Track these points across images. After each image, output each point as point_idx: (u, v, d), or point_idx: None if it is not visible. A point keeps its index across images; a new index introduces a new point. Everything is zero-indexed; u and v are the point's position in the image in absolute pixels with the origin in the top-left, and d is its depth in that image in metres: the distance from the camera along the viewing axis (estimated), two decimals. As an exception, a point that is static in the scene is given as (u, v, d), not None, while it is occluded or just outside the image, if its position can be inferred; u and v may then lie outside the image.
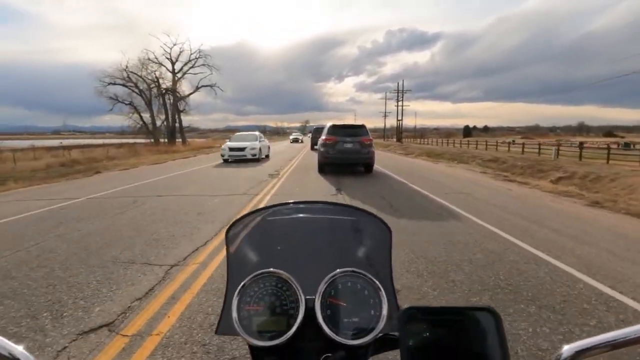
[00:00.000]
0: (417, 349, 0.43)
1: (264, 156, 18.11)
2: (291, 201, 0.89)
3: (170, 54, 35.07)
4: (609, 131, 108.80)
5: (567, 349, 0.41)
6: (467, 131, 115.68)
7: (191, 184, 9.65)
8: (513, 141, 43.56)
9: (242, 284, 0.67)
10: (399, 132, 50.21)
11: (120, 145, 29.70)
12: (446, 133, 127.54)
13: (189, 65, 36.09)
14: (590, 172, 11.15)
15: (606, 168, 12.73)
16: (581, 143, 33.54)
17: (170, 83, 35.59)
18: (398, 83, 50.69)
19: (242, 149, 16.58)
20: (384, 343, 0.63)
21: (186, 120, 38.53)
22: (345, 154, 11.60)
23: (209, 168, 14.60)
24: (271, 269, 0.69)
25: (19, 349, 0.43)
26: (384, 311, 0.62)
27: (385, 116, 62.10)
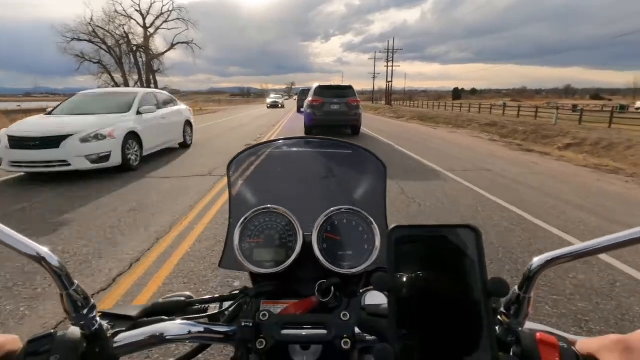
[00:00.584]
0: (402, 263, 0.45)
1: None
2: (291, 137, 0.89)
3: (139, 5, 31.66)
4: (595, 94, 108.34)
5: (537, 259, 0.45)
6: (457, 94, 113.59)
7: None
8: (504, 104, 42.42)
9: (243, 217, 0.69)
10: (389, 95, 48.28)
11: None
12: (435, 95, 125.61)
13: (162, 19, 32.88)
14: (602, 139, 10.18)
15: (615, 133, 11.81)
16: (574, 106, 32.74)
17: (142, 39, 32.47)
18: (388, 42, 48.07)
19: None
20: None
21: (164, 81, 35.74)
22: (333, 115, 11.30)
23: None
24: (270, 205, 0.70)
25: (44, 249, 0.45)
26: (377, 245, 0.65)
27: (374, 77, 59.67)
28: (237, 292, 0.64)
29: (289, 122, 18.76)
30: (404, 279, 0.44)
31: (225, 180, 0.88)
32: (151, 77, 33.26)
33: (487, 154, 9.28)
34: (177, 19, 32.84)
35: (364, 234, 0.68)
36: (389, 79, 47.85)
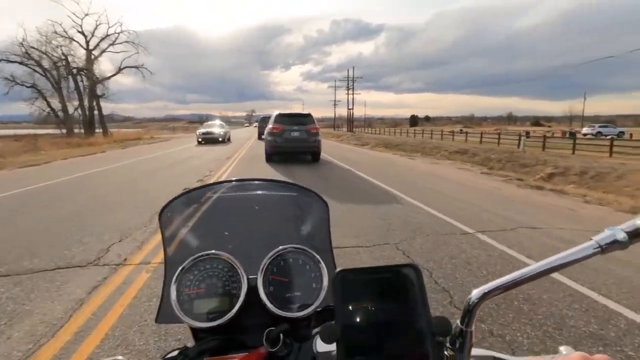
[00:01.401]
0: (351, 308, 0.45)
1: None
2: (226, 179, 0.86)
3: (81, 25, 29.09)
4: (536, 121, 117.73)
5: (475, 292, 0.45)
6: (414, 121, 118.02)
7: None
8: (460, 130, 43.83)
9: (180, 267, 0.65)
10: (351, 122, 48.34)
11: (20, 137, 23.99)
12: (393, 122, 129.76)
13: (108, 41, 30.47)
14: (587, 167, 9.55)
15: (591, 161, 11.41)
16: (527, 133, 34.24)
17: (85, 62, 29.70)
18: (348, 70, 48.59)
19: None
20: (326, 314, 0.61)
21: (108, 107, 32.71)
22: (293, 142, 11.61)
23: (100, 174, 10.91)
24: (211, 251, 0.68)
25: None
26: (325, 283, 0.64)
27: (335, 105, 60.02)
28: (175, 352, 0.56)
29: (248, 150, 17.09)
30: (353, 323, 0.45)
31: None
32: (95, 102, 30.26)
33: (498, 195, 7.33)
34: (126, 41, 30.61)
35: (312, 273, 0.66)
36: (350, 107, 48.06)
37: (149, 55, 32.31)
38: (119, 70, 30.98)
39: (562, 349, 0.45)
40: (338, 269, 0.49)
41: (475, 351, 0.49)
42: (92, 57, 29.63)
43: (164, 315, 0.66)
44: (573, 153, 16.44)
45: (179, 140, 27.80)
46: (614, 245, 0.42)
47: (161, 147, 20.44)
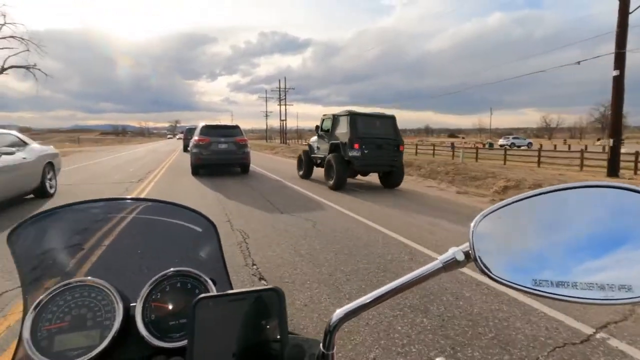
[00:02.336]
0: (210, 331, 0.45)
1: None
2: (101, 198, 0.78)
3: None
4: (451, 133, 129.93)
5: (335, 315, 0.46)
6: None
7: None
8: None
9: (38, 300, 0.57)
10: (284, 133, 46.94)
11: None
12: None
13: None
14: (540, 180, 9.34)
15: (532, 172, 11.49)
16: (452, 144, 36.44)
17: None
18: (280, 81, 47.36)
19: None
20: None
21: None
22: (220, 154, 11.34)
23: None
24: (79, 278, 0.60)
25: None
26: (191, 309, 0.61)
27: (266, 116, 58.26)
28: None
29: (168, 169, 14.53)
30: (210, 350, 0.44)
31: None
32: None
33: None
34: (12, 37, 25.33)
35: None
36: (283, 118, 46.71)
37: (45, 56, 27.13)
38: (2, 70, 25.43)
39: None
40: (200, 296, 0.47)
41: None
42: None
43: (22, 358, 0.54)
44: (504, 164, 17.13)
45: (83, 156, 23.57)
46: (454, 264, 0.44)
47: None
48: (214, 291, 0.62)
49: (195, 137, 11.49)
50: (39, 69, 26.22)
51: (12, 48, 25.63)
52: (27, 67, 25.78)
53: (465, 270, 3.46)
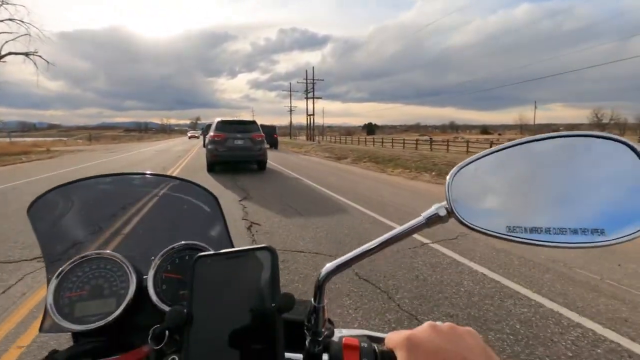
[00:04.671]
0: (206, 287, 0.47)
1: None
2: (112, 173, 0.81)
3: None
4: (484, 129, 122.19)
5: (323, 270, 0.47)
6: (371, 129, 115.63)
7: None
8: (431, 139, 40.58)
9: (59, 270, 0.62)
10: (311, 129, 42.73)
11: None
12: (346, 130, 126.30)
13: None
14: None
15: None
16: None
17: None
18: (307, 71, 43.17)
19: None
20: None
21: (36, 115, 23.37)
22: (236, 151, 10.99)
23: None
24: (95, 251, 0.65)
25: None
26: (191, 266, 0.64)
27: (290, 111, 54.23)
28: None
29: (195, 156, 10.64)
30: (204, 307, 0.46)
31: None
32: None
33: None
34: (10, 19, 22.20)
35: None
36: (310, 112, 42.45)
37: (45, 42, 23.92)
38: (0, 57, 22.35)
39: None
40: (198, 254, 0.50)
41: (350, 331, 0.53)
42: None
43: (50, 323, 0.59)
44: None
45: (85, 156, 20.18)
46: (437, 220, 0.45)
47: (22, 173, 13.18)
48: None
49: (211, 133, 11.12)
50: (40, 56, 23.09)
51: (11, 32, 22.60)
52: (26, 54, 22.68)
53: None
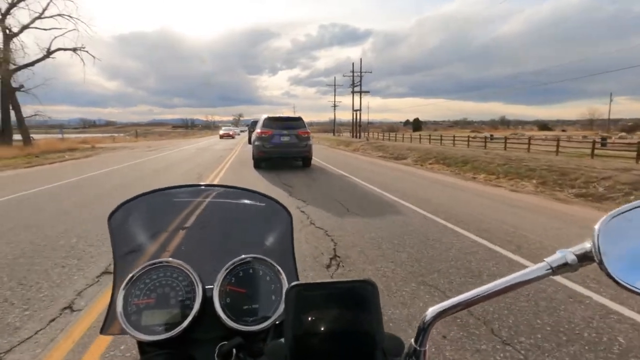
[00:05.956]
0: (301, 323, 0.44)
1: None
2: (186, 184, 0.82)
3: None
4: (543, 124, 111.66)
5: (430, 311, 0.44)
6: (417, 125, 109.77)
7: None
8: (492, 136, 36.46)
9: (129, 276, 0.61)
10: (357, 126, 40.18)
11: None
12: (388, 127, 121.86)
13: (26, 10, 21.39)
14: None
15: None
16: (604, 138, 27.02)
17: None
18: (353, 64, 40.60)
19: None
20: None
21: (33, 107, 23.43)
22: (282, 147, 11.05)
23: None
24: (164, 259, 0.63)
25: None
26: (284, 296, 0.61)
27: (334, 106, 52.00)
28: None
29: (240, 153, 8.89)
30: (304, 338, 0.43)
31: None
32: (10, 101, 21.21)
33: None
34: (60, 15, 21.96)
35: (272, 284, 0.63)
36: (357, 108, 39.90)
37: (93, 36, 23.60)
38: (48, 53, 22.18)
39: None
40: (293, 283, 0.47)
41: None
42: (7, 32, 20.80)
43: (111, 325, 0.61)
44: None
45: (119, 155, 19.39)
46: (564, 267, 0.42)
47: (70, 170, 12.06)
48: (284, 280, 0.62)
49: (258, 130, 11.21)
50: (87, 51, 22.71)
51: (61, 28, 22.42)
52: (74, 50, 22.39)
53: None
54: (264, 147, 10.93)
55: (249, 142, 22.08)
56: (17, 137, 22.09)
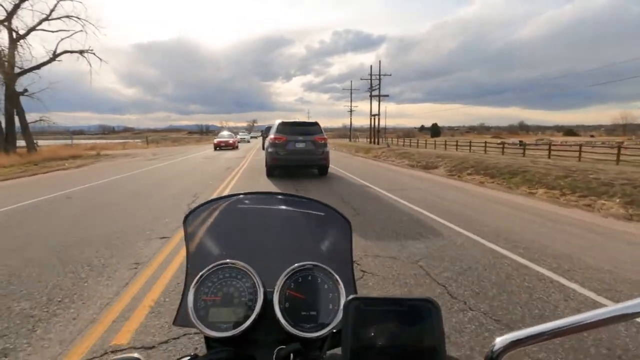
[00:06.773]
0: (360, 337, 0.44)
1: None
2: (253, 191, 0.85)
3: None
4: (569, 130, 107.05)
5: (499, 340, 0.42)
6: (436, 131, 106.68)
7: None
8: (520, 142, 34.07)
9: (200, 274, 0.65)
10: (375, 131, 38.28)
11: None
12: (404, 133, 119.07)
13: (33, 12, 20.41)
14: None
15: None
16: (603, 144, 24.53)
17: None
18: (371, 67, 38.74)
19: None
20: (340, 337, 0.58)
21: (34, 113, 22.22)
22: (297, 154, 10.29)
23: None
24: (230, 260, 0.66)
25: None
26: (342, 304, 0.59)
27: (351, 111, 50.23)
28: (187, 359, 0.54)
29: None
30: (362, 352, 0.43)
31: None
32: (10, 106, 20.17)
33: None
34: (67, 16, 21.01)
35: (329, 293, 0.63)
36: (375, 112, 38.00)
37: (100, 38, 22.52)
38: (54, 55, 21.20)
39: None
40: (351, 296, 0.47)
41: None
42: (14, 36, 19.91)
43: (182, 318, 0.65)
44: None
45: (115, 165, 18.09)
46: None
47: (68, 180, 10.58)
48: (342, 290, 0.62)
49: (271, 136, 10.53)
50: (94, 54, 21.65)
51: (68, 30, 21.44)
52: (81, 52, 21.37)
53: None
54: (277, 154, 10.18)
55: (263, 148, 20.71)
56: (22, 142, 21.14)
